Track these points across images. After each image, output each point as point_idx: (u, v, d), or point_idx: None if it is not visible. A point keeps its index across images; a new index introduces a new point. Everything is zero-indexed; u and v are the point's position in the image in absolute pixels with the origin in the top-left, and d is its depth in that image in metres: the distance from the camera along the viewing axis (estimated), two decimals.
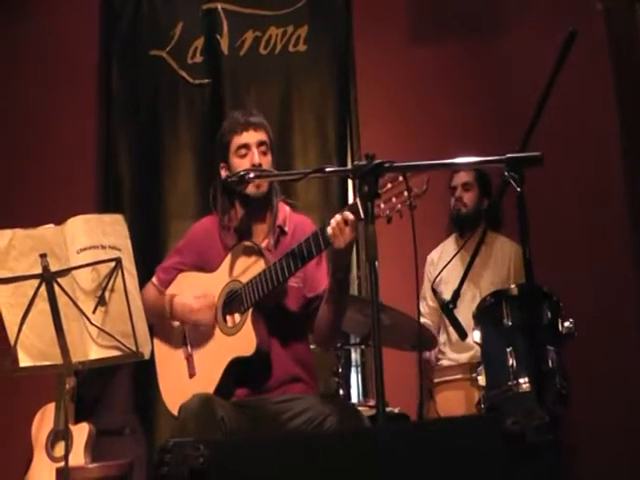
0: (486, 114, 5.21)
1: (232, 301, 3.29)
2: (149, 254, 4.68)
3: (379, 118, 5.35)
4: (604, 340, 4.69)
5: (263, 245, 3.35)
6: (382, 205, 2.73)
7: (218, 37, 5.59)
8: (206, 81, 5.57)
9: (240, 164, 3.33)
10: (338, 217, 2.94)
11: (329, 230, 2.97)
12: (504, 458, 2.04)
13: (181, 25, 5.63)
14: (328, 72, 5.52)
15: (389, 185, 2.74)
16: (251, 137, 3.35)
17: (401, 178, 2.72)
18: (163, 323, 3.42)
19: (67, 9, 5.68)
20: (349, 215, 2.91)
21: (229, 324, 3.29)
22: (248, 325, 3.19)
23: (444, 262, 4.36)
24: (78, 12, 5.68)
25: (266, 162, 3.35)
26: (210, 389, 3.20)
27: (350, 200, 5.16)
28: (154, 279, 3.53)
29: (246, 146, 3.35)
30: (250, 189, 3.31)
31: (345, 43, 5.53)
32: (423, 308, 4.73)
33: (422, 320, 4.55)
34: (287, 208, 3.49)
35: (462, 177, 4.78)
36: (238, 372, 3.22)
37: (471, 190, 4.77)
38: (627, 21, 5.10)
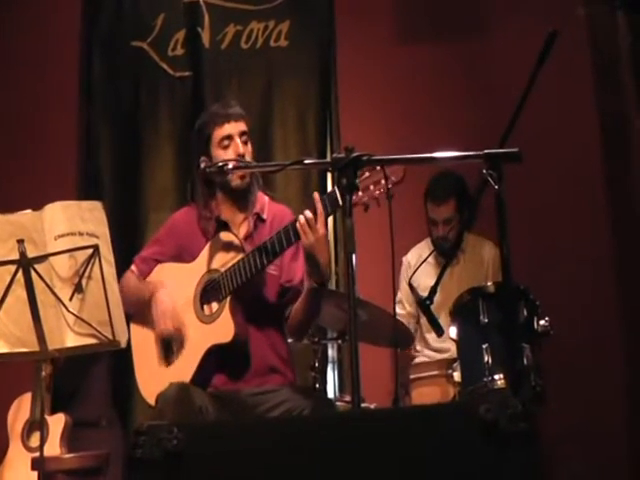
0: (469, 113, 5.19)
1: (210, 290, 3.29)
2: (127, 245, 4.66)
3: (360, 114, 5.34)
4: (581, 338, 4.70)
5: (241, 233, 3.36)
6: (360, 193, 2.74)
7: (199, 30, 5.57)
8: (187, 74, 5.54)
9: (224, 155, 3.35)
10: (308, 214, 2.97)
11: (297, 226, 3.00)
12: (478, 446, 2.05)
13: (162, 17, 5.60)
14: (309, 67, 5.50)
15: (367, 174, 2.76)
16: (233, 128, 3.37)
17: (379, 167, 2.74)
18: (141, 311, 3.38)
19: None
20: (309, 214, 2.96)
21: (206, 312, 3.29)
22: (226, 313, 3.19)
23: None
24: (59, 2, 5.66)
25: (248, 152, 3.37)
26: (187, 377, 3.20)
27: None
28: (133, 267, 3.53)
29: (229, 137, 3.36)
30: (235, 181, 3.34)
31: (327, 39, 5.51)
32: (399, 311, 4.64)
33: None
34: (266, 198, 3.51)
35: (442, 212, 4.56)
36: (215, 360, 3.23)
37: (453, 222, 4.56)
38: (608, 27, 5.15)
